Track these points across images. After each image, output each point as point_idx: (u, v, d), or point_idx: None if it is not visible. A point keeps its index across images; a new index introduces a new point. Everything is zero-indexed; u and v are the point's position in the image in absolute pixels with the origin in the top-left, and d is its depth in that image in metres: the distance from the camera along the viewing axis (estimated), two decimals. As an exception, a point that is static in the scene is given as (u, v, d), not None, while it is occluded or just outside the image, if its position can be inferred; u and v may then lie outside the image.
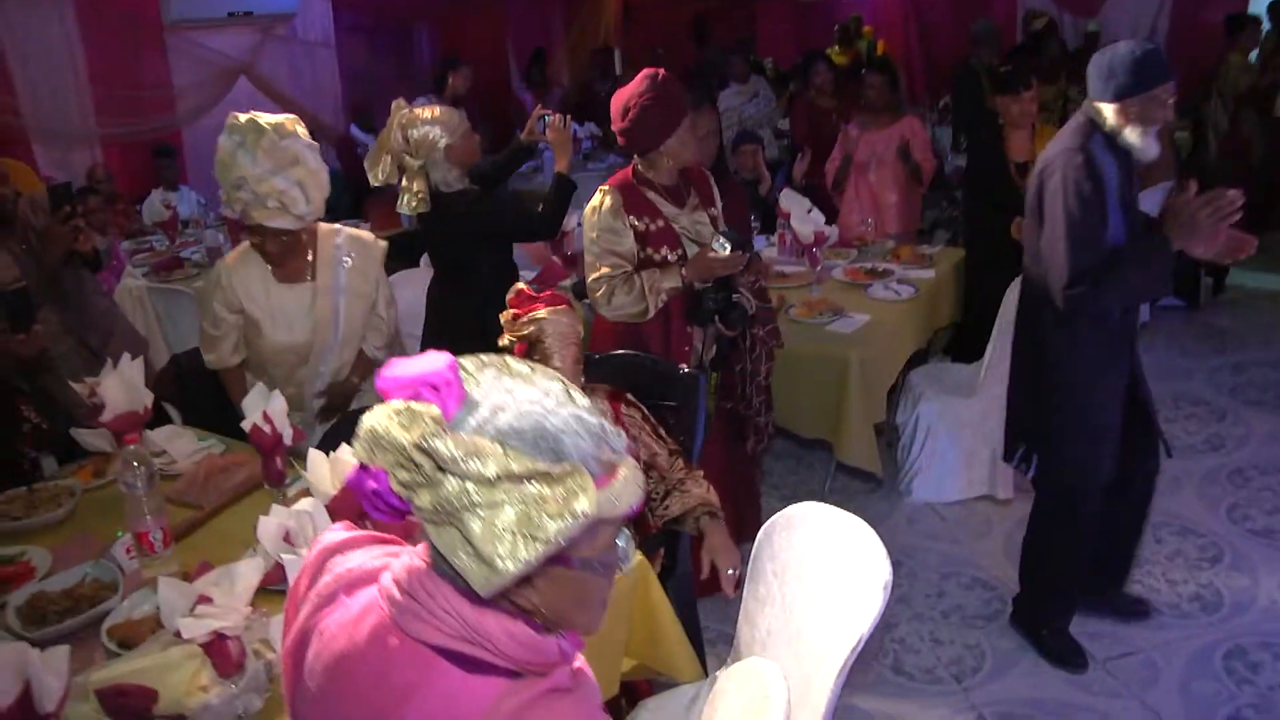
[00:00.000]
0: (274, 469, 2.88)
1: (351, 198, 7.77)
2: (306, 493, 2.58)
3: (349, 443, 2.81)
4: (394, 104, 3.79)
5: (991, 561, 4.05)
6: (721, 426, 3.74)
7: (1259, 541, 4.10)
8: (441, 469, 1.11)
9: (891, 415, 4.50)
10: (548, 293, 2.60)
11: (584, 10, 10.80)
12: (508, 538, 1.10)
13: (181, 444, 3.24)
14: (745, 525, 3.72)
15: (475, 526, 1.11)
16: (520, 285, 2.62)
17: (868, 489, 4.57)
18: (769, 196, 5.46)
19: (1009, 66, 4.80)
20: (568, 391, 1.21)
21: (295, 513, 2.29)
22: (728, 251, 3.24)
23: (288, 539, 2.26)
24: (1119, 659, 3.46)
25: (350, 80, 9.40)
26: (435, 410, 1.14)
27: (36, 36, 7.13)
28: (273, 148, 3.15)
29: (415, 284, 5.01)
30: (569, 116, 3.92)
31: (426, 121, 3.70)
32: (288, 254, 3.36)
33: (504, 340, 2.57)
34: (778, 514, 2.46)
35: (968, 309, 4.96)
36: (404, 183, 3.78)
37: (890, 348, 4.31)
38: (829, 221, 5.31)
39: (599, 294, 3.30)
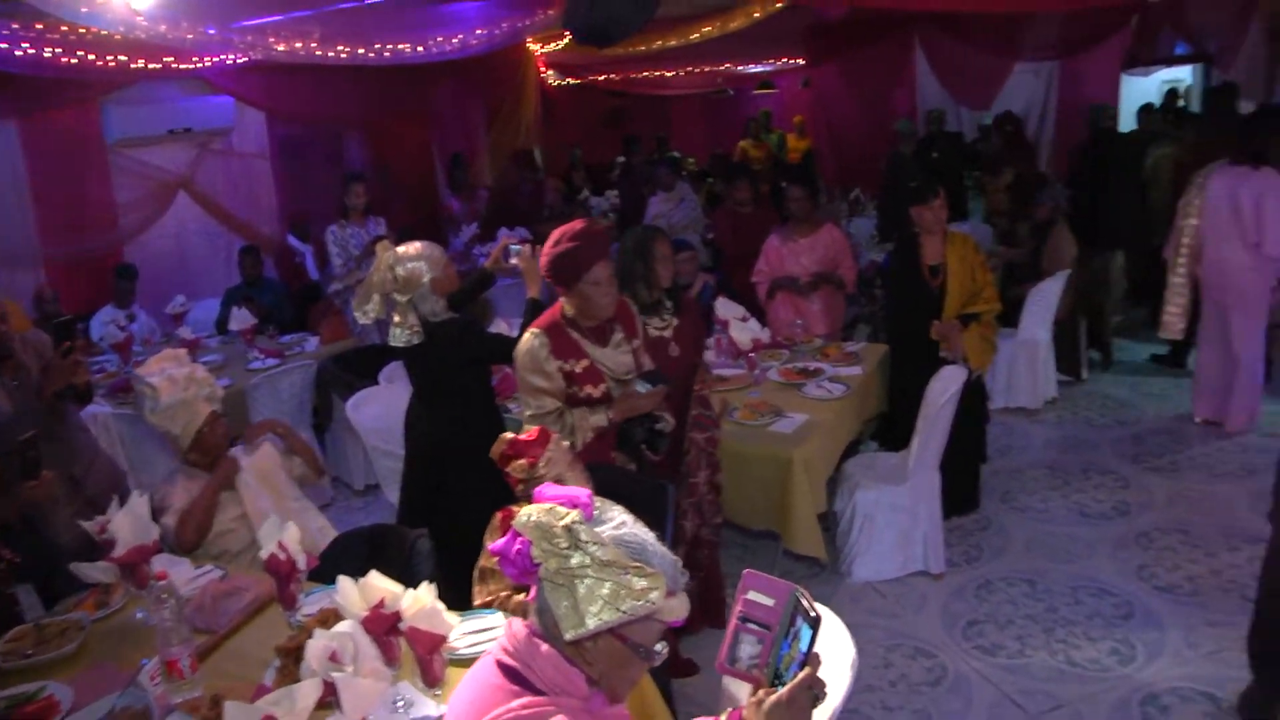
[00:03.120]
0: (288, 594, 3.13)
1: (293, 308, 7.97)
2: (330, 613, 2.83)
3: (347, 559, 3.12)
4: (379, 245, 4.09)
5: (930, 632, 4.45)
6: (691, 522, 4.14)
7: (1165, 597, 4.59)
8: (574, 546, 1.73)
9: (830, 503, 4.88)
10: (534, 432, 2.94)
11: (504, 112, 11.20)
12: (599, 603, 1.70)
13: (179, 571, 3.47)
14: (709, 611, 4.14)
15: (581, 590, 1.71)
16: (507, 436, 2.92)
17: (811, 573, 4.94)
18: (704, 302, 5.86)
19: (917, 182, 5.26)
20: (661, 540, 1.85)
21: (338, 634, 2.57)
22: (645, 385, 3.60)
23: (334, 658, 2.53)
24: (1049, 712, 3.87)
25: (285, 190, 9.63)
26: (580, 512, 1.77)
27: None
28: None
29: (379, 401, 5.30)
30: (536, 245, 4.22)
31: (412, 258, 4.00)
32: None
33: (520, 488, 2.88)
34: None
35: (892, 400, 5.40)
36: (395, 318, 4.04)
37: (828, 443, 4.72)
38: (760, 324, 5.74)
39: (532, 422, 3.57)
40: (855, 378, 5.18)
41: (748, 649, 1.85)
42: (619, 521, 1.82)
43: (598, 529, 1.77)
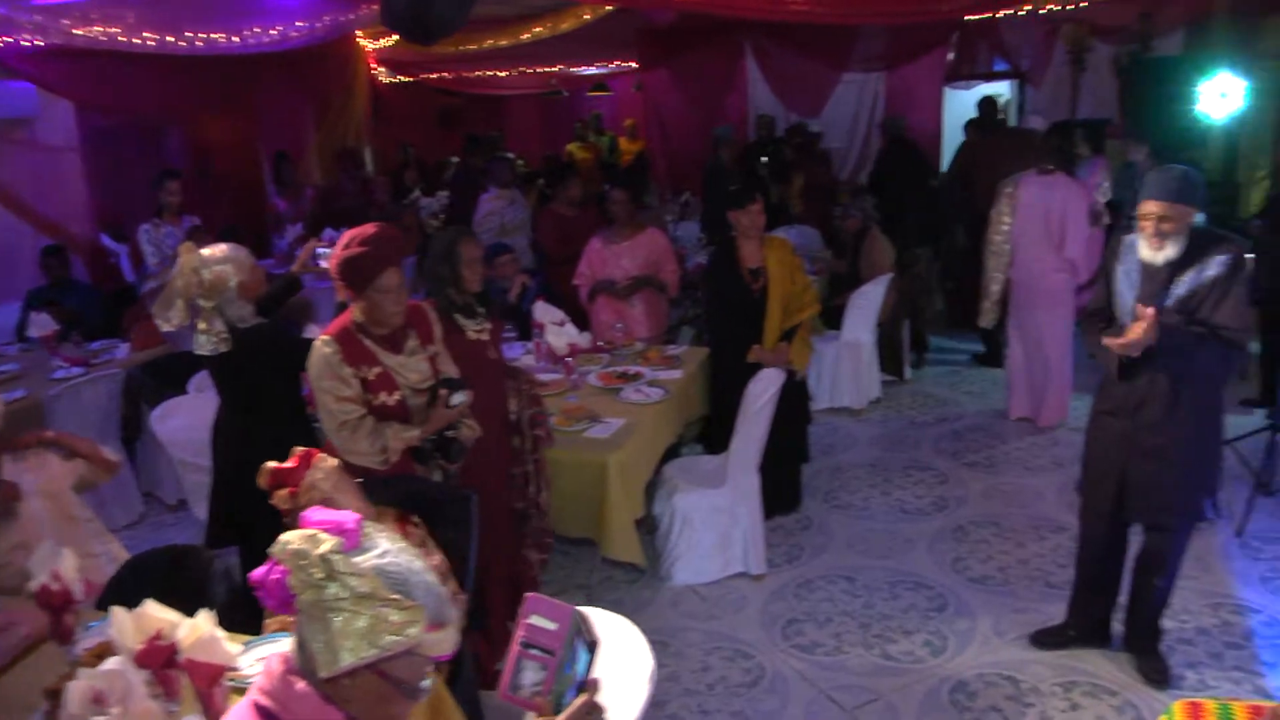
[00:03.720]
0: (64, 628, 2.86)
1: (103, 312, 7.51)
2: (105, 647, 2.61)
3: (142, 584, 2.91)
4: (182, 247, 3.88)
5: (749, 633, 4.45)
6: (507, 532, 4.02)
7: (977, 588, 4.73)
8: (330, 576, 1.62)
9: (649, 506, 4.85)
10: (296, 458, 2.79)
11: (334, 108, 10.87)
12: (355, 638, 1.61)
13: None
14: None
15: (336, 623, 1.61)
16: (269, 466, 2.73)
17: (631, 578, 4.89)
18: (524, 306, 5.77)
19: (736, 186, 5.29)
20: (429, 569, 1.75)
21: (104, 673, 2.33)
22: (459, 397, 3.51)
23: (99, 700, 2.31)
24: (864, 706, 3.93)
25: (97, 186, 9.04)
26: (340, 540, 1.66)
27: None
28: None
29: (186, 411, 5.04)
30: None
31: (218, 261, 3.81)
32: None
33: (288, 520, 2.69)
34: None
35: (713, 403, 5.40)
36: (200, 324, 3.84)
37: (645, 448, 4.68)
38: (581, 328, 5.68)
39: (337, 434, 3.43)
40: (674, 381, 5.16)
41: (530, 676, 1.79)
42: (382, 550, 1.71)
43: (358, 558, 1.67)
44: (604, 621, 2.75)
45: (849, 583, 4.83)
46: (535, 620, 1.78)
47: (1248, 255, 3.56)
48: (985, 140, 8.55)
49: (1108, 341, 3.58)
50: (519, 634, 1.78)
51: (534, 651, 1.78)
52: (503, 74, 12.32)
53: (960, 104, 11.55)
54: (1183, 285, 3.53)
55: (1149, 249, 3.56)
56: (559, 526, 4.54)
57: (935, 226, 8.31)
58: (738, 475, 4.74)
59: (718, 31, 10.10)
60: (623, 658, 2.64)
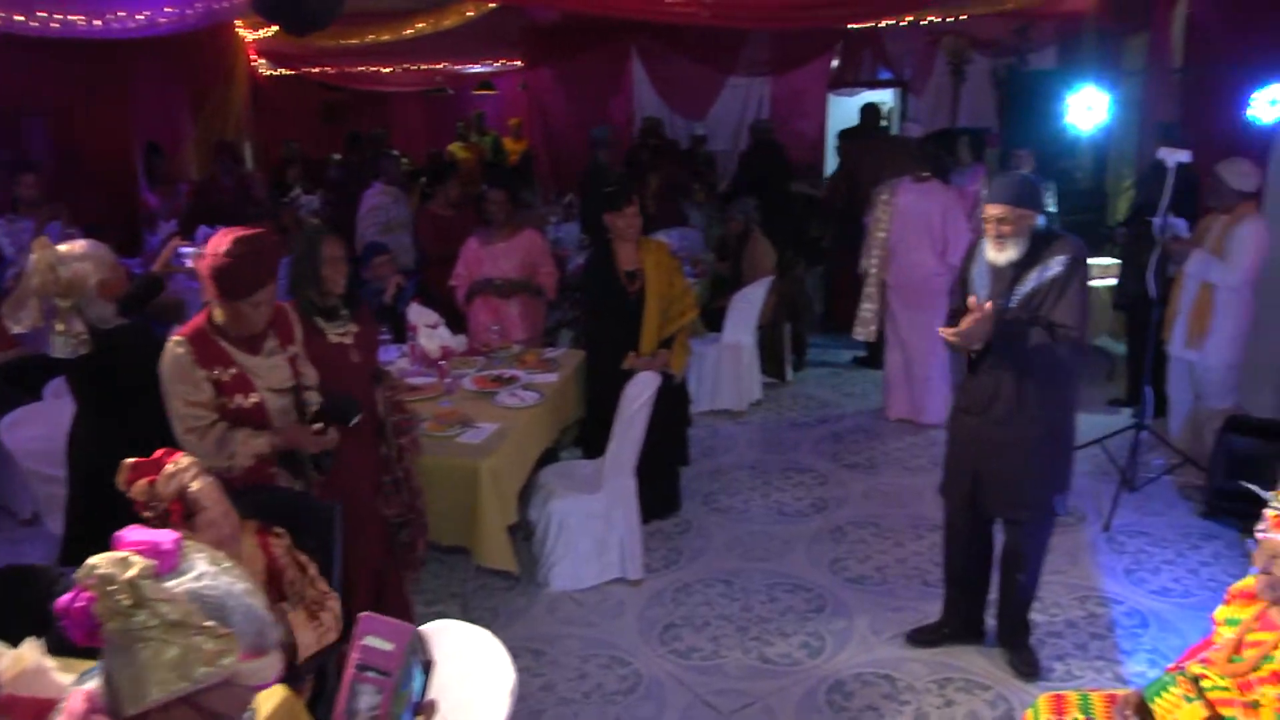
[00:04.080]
0: None
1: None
2: None
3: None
4: (35, 244, 3.64)
5: (626, 639, 4.38)
6: (377, 542, 3.88)
7: (854, 588, 4.75)
8: (139, 603, 1.47)
9: (525, 512, 4.75)
10: (160, 452, 2.65)
11: (211, 100, 10.48)
12: (164, 670, 1.48)
13: None
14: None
15: (144, 654, 1.48)
16: (129, 462, 2.59)
17: (507, 585, 4.78)
18: (400, 307, 5.62)
19: (613, 187, 5.23)
20: (255, 592, 1.62)
21: None
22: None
23: None
24: (740, 710, 3.89)
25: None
26: (151, 563, 1.52)
27: None
28: None
29: (41, 419, 4.79)
30: None
31: (76, 258, 3.60)
32: None
33: (149, 513, 2.56)
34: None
35: (591, 406, 5.32)
36: (57, 326, 3.62)
37: (519, 452, 4.57)
38: (458, 329, 5.55)
39: (184, 439, 3.26)
40: (550, 384, 5.07)
41: (367, 700, 1.71)
42: (198, 573, 1.58)
43: (171, 582, 1.53)
44: (464, 634, 2.66)
45: (727, 586, 4.80)
46: (370, 641, 1.69)
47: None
48: (866, 146, 8.67)
49: (941, 331, 3.71)
50: (353, 656, 1.68)
51: (370, 674, 1.69)
52: (386, 70, 12.05)
53: (845, 110, 11.75)
54: (1026, 284, 3.67)
55: (993, 250, 3.71)
56: (431, 533, 4.41)
57: (795, 230, 8.37)
58: (614, 479, 4.68)
59: (603, 32, 10.05)
60: (483, 672, 2.53)
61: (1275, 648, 2.55)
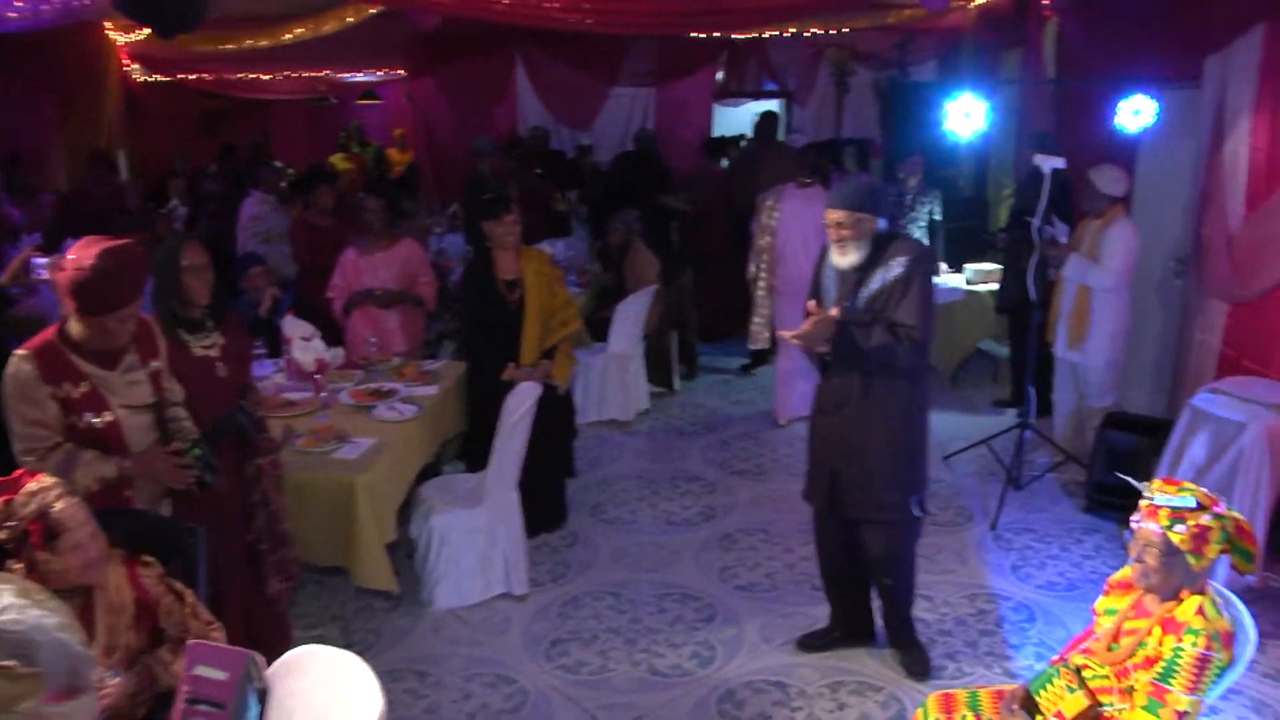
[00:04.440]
0: None
1: None
2: None
3: None
4: None
5: (512, 656, 4.24)
6: (242, 568, 3.68)
7: (744, 595, 4.70)
8: None
9: (406, 529, 4.59)
10: (18, 472, 2.46)
11: (79, 107, 9.99)
12: None
13: None
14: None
15: None
16: None
17: (389, 605, 4.60)
18: (276, 320, 5.40)
19: (490, 196, 5.10)
20: (70, 627, 1.47)
21: None
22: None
23: None
24: (626, 725, 3.80)
25: None
26: None
27: None
28: None
29: None
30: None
31: None
32: None
33: (3, 534, 2.36)
34: (277, 662, 2.47)
35: (472, 419, 5.17)
36: None
37: (397, 467, 4.41)
38: (336, 342, 5.35)
39: (24, 459, 3.03)
40: (429, 397, 4.91)
41: None
42: (2, 606, 1.43)
43: None
44: (331, 660, 2.50)
45: (615, 598, 4.69)
46: (202, 671, 1.55)
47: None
48: (754, 154, 8.72)
49: (781, 334, 3.74)
50: (183, 689, 1.52)
51: (202, 707, 1.54)
52: (266, 77, 11.68)
53: (730, 121, 11.82)
54: (870, 286, 3.69)
55: (836, 254, 3.75)
56: (308, 554, 4.20)
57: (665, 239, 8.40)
58: (496, 492, 4.54)
59: (488, 41, 9.91)
60: (350, 699, 2.39)
61: (1149, 634, 2.56)
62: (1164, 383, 6.31)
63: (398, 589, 4.32)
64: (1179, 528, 2.52)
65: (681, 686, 4.01)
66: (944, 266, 7.76)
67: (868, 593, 4.17)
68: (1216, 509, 2.55)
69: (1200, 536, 2.51)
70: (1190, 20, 5.91)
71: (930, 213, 7.69)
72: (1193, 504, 2.54)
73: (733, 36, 9.40)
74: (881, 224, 3.72)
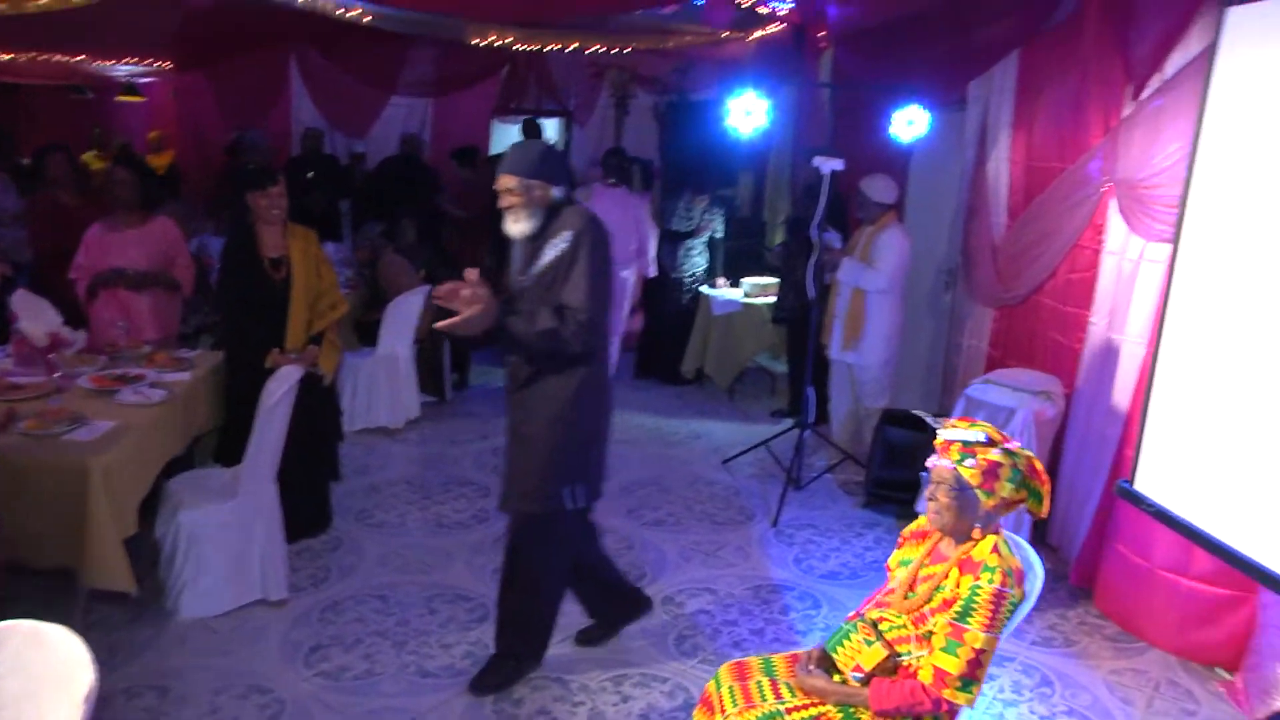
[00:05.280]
0: None
1: None
2: None
3: None
4: None
5: (267, 665, 3.84)
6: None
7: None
8: None
9: (151, 529, 4.13)
10: None
11: None
12: None
13: None
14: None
15: None
16: None
17: (131, 615, 4.09)
18: (3, 297, 4.82)
19: (255, 165, 4.74)
20: None
21: None
22: None
23: None
24: (398, 731, 3.51)
25: None
26: None
27: None
28: None
29: None
30: None
31: None
32: None
33: None
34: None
35: (231, 410, 4.74)
36: None
37: (140, 455, 3.93)
38: (78, 326, 4.83)
39: None
40: (181, 383, 4.46)
41: None
42: None
43: None
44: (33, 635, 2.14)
45: (381, 601, 4.36)
46: None
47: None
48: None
49: (438, 325, 3.46)
50: None
51: None
52: (8, 56, 10.54)
53: (509, 138, 11.71)
54: (541, 260, 3.42)
55: (509, 223, 3.47)
56: (27, 554, 3.67)
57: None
58: (252, 485, 4.14)
59: (261, 40, 9.39)
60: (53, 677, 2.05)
61: (946, 577, 2.52)
62: (934, 387, 6.54)
63: (135, 589, 3.80)
64: (969, 462, 2.51)
65: (455, 687, 3.74)
66: (722, 281, 7.87)
67: (609, 572, 4.00)
68: (1007, 445, 2.55)
69: (990, 472, 2.49)
70: (954, 47, 6.19)
71: (714, 231, 7.78)
72: (982, 438, 2.53)
73: (514, 48, 9.24)
74: (557, 193, 3.45)
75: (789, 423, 6.34)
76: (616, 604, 4.04)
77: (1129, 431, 4.28)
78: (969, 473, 2.50)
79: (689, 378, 7.88)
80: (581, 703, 3.65)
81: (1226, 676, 3.97)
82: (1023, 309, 5.40)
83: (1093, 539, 4.57)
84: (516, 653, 3.78)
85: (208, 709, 3.58)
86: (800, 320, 6.55)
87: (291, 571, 4.44)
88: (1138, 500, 3.59)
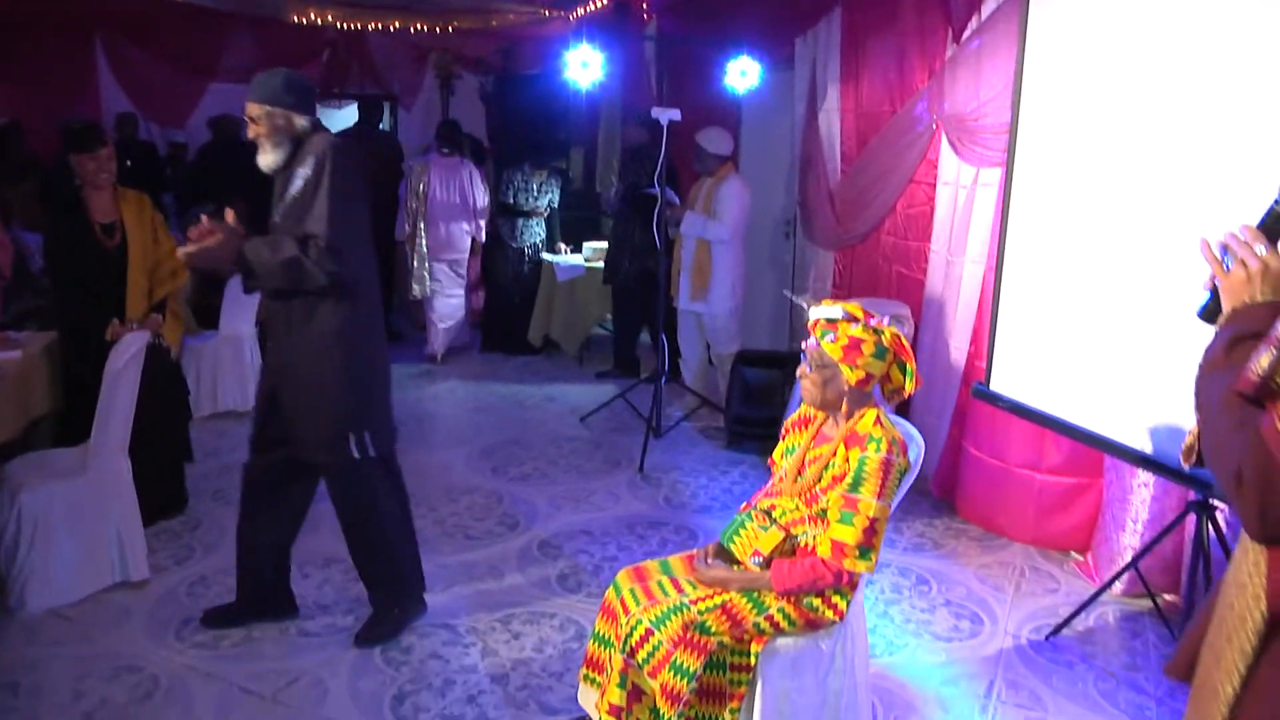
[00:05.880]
0: None
1: None
2: None
3: None
4: None
5: (134, 646, 3.66)
6: None
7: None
8: None
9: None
10: None
11: None
12: None
13: None
14: None
15: None
16: None
17: (-33, 616, 3.81)
18: None
19: (80, 125, 4.48)
20: None
21: None
22: None
23: None
24: (286, 688, 3.41)
25: None
26: None
27: None
28: None
29: None
30: None
31: None
32: None
33: None
34: None
35: (70, 391, 4.49)
36: None
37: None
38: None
39: None
40: (11, 362, 4.18)
41: None
42: None
43: None
44: None
45: (248, 573, 4.21)
46: None
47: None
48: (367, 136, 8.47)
49: (178, 252, 3.42)
50: None
51: None
52: None
53: (336, 123, 11.41)
54: (291, 189, 3.30)
55: (259, 155, 3.36)
56: None
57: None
58: (104, 458, 3.93)
59: (63, 26, 8.81)
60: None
61: (834, 455, 2.60)
62: (782, 332, 6.72)
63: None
64: (829, 337, 2.61)
65: (341, 643, 3.66)
66: (564, 247, 7.93)
67: (286, 560, 3.86)
68: (869, 321, 2.64)
69: (852, 347, 2.59)
70: (778, 7, 6.38)
71: (550, 202, 7.78)
72: (840, 314, 2.63)
73: (336, 26, 9.00)
74: (303, 122, 3.33)
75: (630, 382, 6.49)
76: (271, 597, 3.83)
77: (977, 344, 4.53)
78: (830, 347, 2.60)
79: (537, 346, 7.87)
80: (472, 644, 3.63)
81: (1079, 558, 4.30)
82: (864, 247, 5.62)
83: (949, 452, 4.82)
84: (394, 602, 3.73)
85: (70, 695, 3.37)
86: (637, 282, 6.63)
87: (151, 553, 4.22)
88: (995, 399, 3.80)
